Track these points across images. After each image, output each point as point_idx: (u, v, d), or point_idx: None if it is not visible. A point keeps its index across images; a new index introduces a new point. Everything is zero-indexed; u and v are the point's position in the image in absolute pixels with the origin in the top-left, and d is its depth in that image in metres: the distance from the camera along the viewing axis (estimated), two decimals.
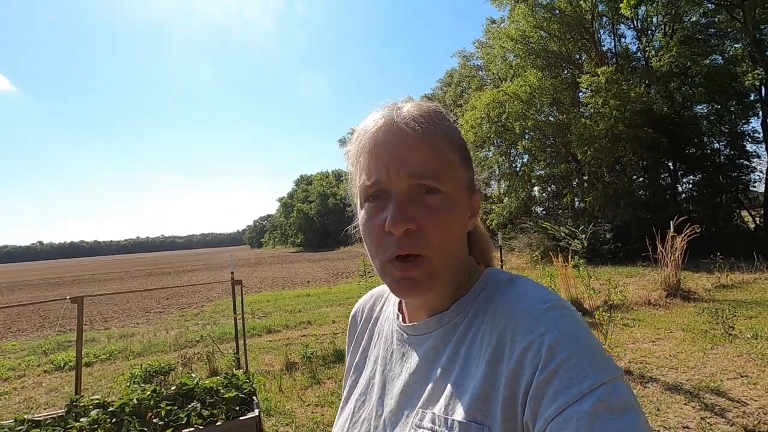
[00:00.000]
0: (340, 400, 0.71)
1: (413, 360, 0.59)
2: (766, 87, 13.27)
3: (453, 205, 0.54)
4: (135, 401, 2.56)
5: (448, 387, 0.52)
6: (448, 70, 30.38)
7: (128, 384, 4.07)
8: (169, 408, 2.49)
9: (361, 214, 0.57)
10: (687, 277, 8.16)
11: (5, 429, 2.33)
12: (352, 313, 0.79)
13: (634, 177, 15.87)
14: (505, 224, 17.84)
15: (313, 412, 3.71)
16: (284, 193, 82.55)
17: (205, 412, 2.47)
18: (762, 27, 12.77)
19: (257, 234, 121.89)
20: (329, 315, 8.04)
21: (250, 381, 2.97)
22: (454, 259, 0.56)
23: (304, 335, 6.60)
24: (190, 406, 2.55)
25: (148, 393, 2.65)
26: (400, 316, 0.65)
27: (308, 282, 14.83)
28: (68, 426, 2.35)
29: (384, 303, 0.73)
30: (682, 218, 7.44)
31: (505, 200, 19.72)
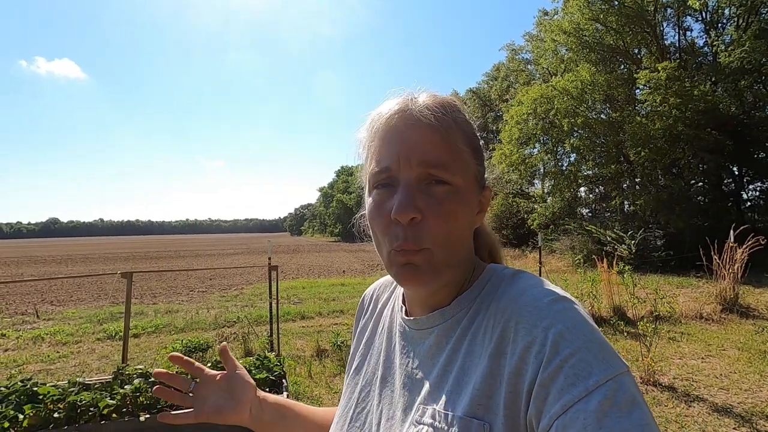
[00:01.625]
0: None
1: (415, 355, 0.59)
2: None
3: (461, 198, 0.53)
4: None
5: (449, 382, 0.52)
6: (495, 64, 29.46)
7: None
8: None
9: (368, 202, 0.57)
10: (747, 291, 7.55)
11: (60, 389, 2.54)
12: (361, 296, 0.79)
13: (693, 181, 14.84)
14: (547, 225, 17.26)
15: (340, 401, 3.78)
16: (325, 182, 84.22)
17: None
18: None
19: (297, 222, 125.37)
20: None
21: (281, 364, 3.06)
22: (457, 253, 0.54)
23: (336, 323, 6.72)
24: None
25: None
26: (404, 308, 0.64)
27: (344, 271, 15.05)
28: (113, 391, 2.52)
29: (391, 294, 0.72)
30: (744, 227, 6.89)
31: (548, 200, 19.05)
